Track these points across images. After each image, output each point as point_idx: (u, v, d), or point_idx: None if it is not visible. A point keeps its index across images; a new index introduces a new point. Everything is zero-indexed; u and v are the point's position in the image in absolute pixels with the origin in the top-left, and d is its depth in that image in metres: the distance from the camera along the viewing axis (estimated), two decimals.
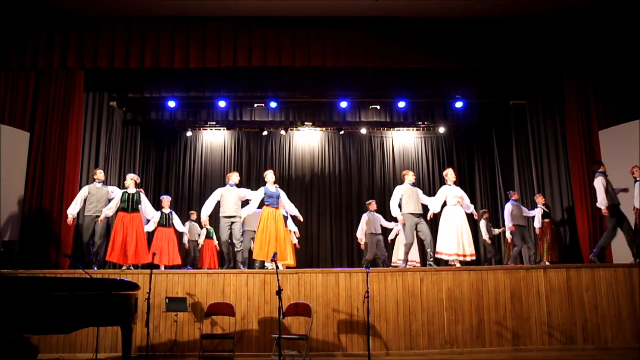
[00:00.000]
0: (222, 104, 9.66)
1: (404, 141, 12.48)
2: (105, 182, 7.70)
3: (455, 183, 7.56)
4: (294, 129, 12.10)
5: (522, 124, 9.54)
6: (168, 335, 6.33)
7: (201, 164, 12.09)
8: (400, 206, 7.31)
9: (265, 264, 7.67)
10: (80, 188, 8.06)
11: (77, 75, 8.09)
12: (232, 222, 7.30)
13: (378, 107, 10.26)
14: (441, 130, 11.81)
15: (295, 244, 8.75)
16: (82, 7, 7.75)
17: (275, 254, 6.20)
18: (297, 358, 5.99)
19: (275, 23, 8.03)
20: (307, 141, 12.37)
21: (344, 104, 9.79)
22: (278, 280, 5.45)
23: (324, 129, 12.22)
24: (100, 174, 7.53)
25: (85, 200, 7.34)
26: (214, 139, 12.23)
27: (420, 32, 8.13)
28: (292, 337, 6.10)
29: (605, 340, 6.45)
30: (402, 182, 7.66)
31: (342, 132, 11.96)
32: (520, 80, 9.17)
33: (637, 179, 7.42)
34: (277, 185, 7.44)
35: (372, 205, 9.16)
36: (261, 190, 7.28)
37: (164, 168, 11.85)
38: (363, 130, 11.88)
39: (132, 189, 7.47)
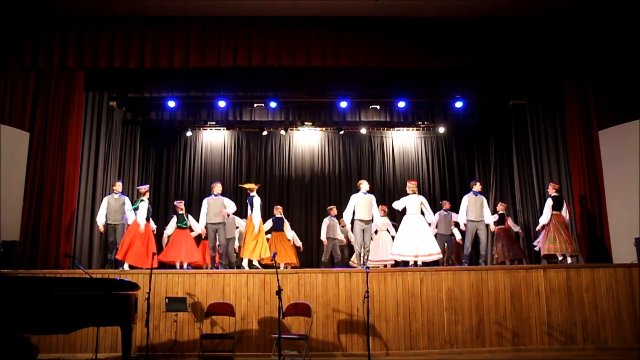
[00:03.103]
0: (222, 104, 9.66)
1: (404, 141, 12.47)
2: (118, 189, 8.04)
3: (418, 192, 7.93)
4: (294, 129, 12.09)
5: (522, 124, 9.54)
6: (168, 335, 6.34)
7: (201, 164, 12.07)
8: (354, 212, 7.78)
9: (254, 262, 8.00)
10: (80, 188, 8.25)
11: (77, 75, 8.08)
12: (217, 229, 7.88)
13: (378, 107, 10.25)
14: (441, 130, 11.80)
15: (299, 247, 9.49)
16: (82, 7, 7.74)
17: (275, 254, 6.22)
18: (297, 358, 5.99)
19: (275, 23, 8.02)
20: (307, 141, 12.36)
21: (344, 104, 9.79)
22: (278, 280, 5.45)
23: (324, 129, 12.21)
24: (119, 186, 7.99)
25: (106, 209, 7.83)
26: (214, 139, 12.22)
27: (420, 32, 8.12)
28: (292, 337, 6.11)
29: (605, 340, 6.46)
30: (357, 190, 7.89)
31: (342, 132, 11.95)
32: (520, 80, 9.17)
33: (551, 195, 7.79)
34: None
35: (333, 211, 9.41)
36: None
37: (164, 168, 11.84)
38: (363, 130, 11.88)
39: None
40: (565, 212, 7.90)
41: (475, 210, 7.82)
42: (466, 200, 7.94)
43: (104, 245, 8.40)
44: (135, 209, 7.84)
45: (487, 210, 7.95)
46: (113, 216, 7.74)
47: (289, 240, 9.35)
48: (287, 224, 9.23)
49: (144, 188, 8.10)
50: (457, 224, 8.82)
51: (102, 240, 8.58)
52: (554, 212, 7.82)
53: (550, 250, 7.69)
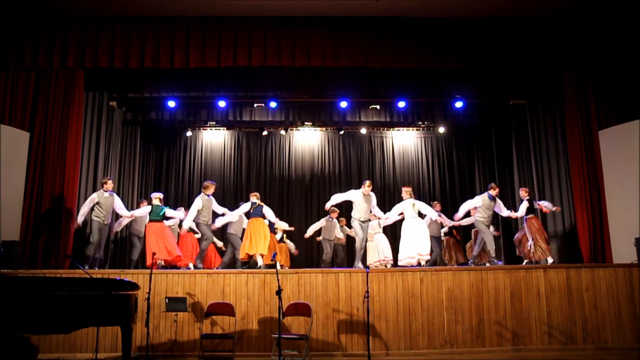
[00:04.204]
0: (222, 104, 9.65)
1: (404, 141, 12.47)
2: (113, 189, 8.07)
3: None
4: (294, 129, 12.08)
5: (522, 124, 9.54)
6: (168, 335, 6.34)
7: (201, 164, 12.07)
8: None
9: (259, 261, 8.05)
10: (80, 188, 8.21)
11: (77, 75, 8.08)
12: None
13: (378, 107, 10.24)
14: (441, 130, 11.79)
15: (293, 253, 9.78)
16: (82, 7, 7.74)
17: (275, 254, 6.23)
18: (297, 358, 6.00)
19: (275, 23, 8.02)
20: (307, 141, 12.36)
21: (344, 104, 9.78)
22: (278, 280, 5.45)
23: (324, 129, 12.20)
24: (110, 184, 7.84)
25: (94, 207, 7.65)
26: (214, 139, 12.22)
27: (420, 32, 8.13)
28: (292, 337, 6.11)
29: (605, 340, 6.46)
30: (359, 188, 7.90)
31: (342, 132, 11.95)
32: (520, 80, 9.16)
33: (525, 199, 8.09)
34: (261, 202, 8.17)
35: (335, 214, 9.32)
36: (247, 205, 8.08)
37: (164, 168, 11.84)
38: (363, 130, 11.88)
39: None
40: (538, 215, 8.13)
41: (487, 213, 7.86)
42: (479, 200, 7.92)
43: (76, 240, 7.97)
44: (164, 216, 7.98)
45: (502, 207, 8.06)
46: (104, 215, 7.61)
47: (281, 242, 9.37)
48: (280, 224, 9.13)
49: (161, 195, 8.25)
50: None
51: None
52: (531, 216, 8.03)
53: (534, 257, 7.85)
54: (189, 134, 11.82)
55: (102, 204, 7.64)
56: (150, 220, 7.87)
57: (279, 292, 5.25)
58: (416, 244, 7.58)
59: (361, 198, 7.67)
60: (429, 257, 7.75)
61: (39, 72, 8.04)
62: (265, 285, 6.47)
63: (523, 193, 8.24)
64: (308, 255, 11.39)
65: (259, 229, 7.77)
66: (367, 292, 5.67)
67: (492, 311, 6.50)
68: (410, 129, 12.24)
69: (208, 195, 7.95)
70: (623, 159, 7.64)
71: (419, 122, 11.42)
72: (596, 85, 8.22)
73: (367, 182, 7.80)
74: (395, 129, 12.21)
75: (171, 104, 9.52)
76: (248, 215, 8.05)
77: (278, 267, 7.83)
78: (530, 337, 6.45)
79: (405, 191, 8.04)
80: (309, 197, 12.03)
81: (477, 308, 6.50)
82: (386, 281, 6.53)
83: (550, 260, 7.72)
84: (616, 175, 7.73)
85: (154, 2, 7.66)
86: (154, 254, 6.74)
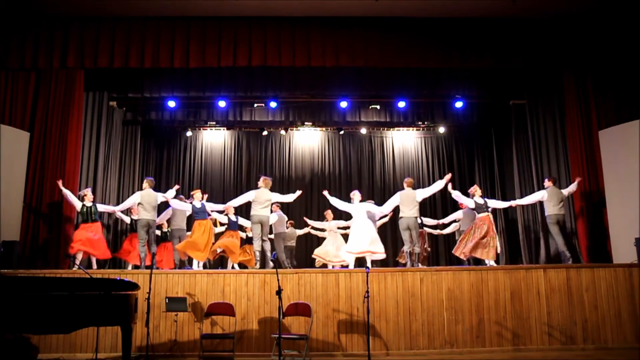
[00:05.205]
0: (222, 104, 9.65)
1: (404, 141, 12.47)
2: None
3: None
4: (294, 129, 12.09)
5: (522, 124, 9.55)
6: (168, 335, 6.34)
7: (201, 164, 12.07)
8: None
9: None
10: (80, 188, 8.18)
11: (77, 75, 8.09)
12: None
13: (378, 107, 10.25)
14: (441, 130, 11.80)
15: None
16: (82, 7, 7.74)
17: (275, 254, 6.23)
18: (297, 358, 6.00)
19: (275, 23, 8.03)
20: (307, 141, 12.36)
21: (344, 104, 9.79)
22: (278, 280, 5.44)
23: (324, 129, 12.21)
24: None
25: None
26: (214, 139, 12.22)
27: (420, 32, 8.13)
28: (292, 337, 6.11)
29: (605, 340, 6.46)
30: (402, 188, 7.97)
31: (342, 132, 11.95)
32: (520, 80, 9.17)
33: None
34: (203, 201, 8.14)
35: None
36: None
37: (164, 168, 11.84)
38: (363, 130, 11.88)
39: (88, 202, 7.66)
40: None
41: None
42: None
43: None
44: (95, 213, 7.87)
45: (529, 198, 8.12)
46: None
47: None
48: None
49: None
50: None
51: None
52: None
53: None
54: (189, 134, 11.82)
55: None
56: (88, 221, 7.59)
57: (279, 292, 5.24)
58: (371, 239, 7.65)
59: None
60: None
61: (39, 72, 8.04)
62: (265, 285, 6.47)
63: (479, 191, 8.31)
64: (309, 255, 11.37)
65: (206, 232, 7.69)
66: (367, 292, 5.67)
67: (492, 311, 6.50)
68: (410, 129, 12.24)
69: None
70: (623, 159, 7.63)
71: (419, 122, 11.43)
72: (596, 85, 8.22)
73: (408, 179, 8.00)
74: (395, 129, 12.21)
75: (171, 104, 9.53)
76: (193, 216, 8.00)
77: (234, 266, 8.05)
78: (530, 337, 6.45)
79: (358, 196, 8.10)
80: (309, 197, 12.02)
81: (477, 308, 6.50)
82: (386, 281, 6.53)
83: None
84: (616, 175, 7.72)
85: (154, 2, 7.66)
86: (153, 254, 6.74)
